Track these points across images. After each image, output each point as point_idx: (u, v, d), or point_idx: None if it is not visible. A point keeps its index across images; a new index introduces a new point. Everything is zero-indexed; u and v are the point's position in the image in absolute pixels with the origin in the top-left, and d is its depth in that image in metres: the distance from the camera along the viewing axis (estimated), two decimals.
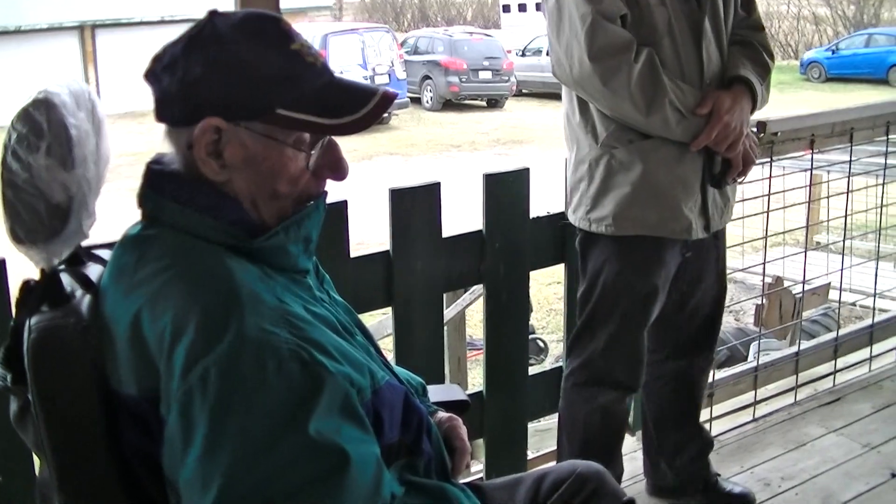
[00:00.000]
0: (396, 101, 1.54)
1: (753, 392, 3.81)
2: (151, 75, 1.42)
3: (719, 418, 3.67)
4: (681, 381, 2.99)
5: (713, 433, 3.36)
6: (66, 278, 1.47)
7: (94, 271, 1.49)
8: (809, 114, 3.76)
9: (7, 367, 1.41)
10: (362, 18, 45.11)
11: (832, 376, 4.07)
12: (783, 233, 4.50)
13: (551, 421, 4.26)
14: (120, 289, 1.37)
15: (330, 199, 1.53)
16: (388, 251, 2.80)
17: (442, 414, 1.82)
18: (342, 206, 2.62)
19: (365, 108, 1.42)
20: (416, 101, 23.76)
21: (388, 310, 2.94)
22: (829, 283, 6.77)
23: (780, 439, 3.59)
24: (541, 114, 23.53)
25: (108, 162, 1.52)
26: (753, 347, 5.39)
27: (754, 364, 3.90)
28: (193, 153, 1.38)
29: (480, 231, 2.98)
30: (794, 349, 4.06)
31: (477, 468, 3.30)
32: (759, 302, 6.38)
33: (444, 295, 3.18)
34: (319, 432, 1.23)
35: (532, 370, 3.33)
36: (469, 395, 2.28)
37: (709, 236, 2.72)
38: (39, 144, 1.39)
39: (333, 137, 1.48)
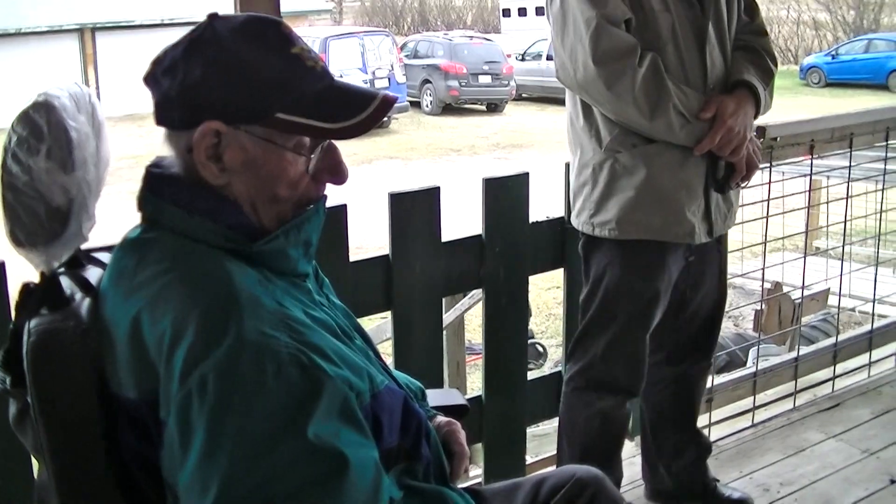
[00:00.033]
0: (396, 105, 1.54)
1: (752, 397, 3.80)
2: (151, 78, 1.42)
3: (718, 423, 3.67)
4: (679, 385, 2.99)
5: (712, 438, 3.35)
6: (65, 281, 1.47)
7: (93, 274, 1.49)
8: (809, 119, 3.76)
9: (6, 370, 1.40)
10: (362, 22, 45.18)
11: (831, 382, 4.07)
12: (782, 238, 4.51)
13: (550, 426, 4.27)
14: (119, 292, 1.37)
15: (329, 203, 1.53)
16: (387, 255, 2.80)
17: (441, 418, 1.82)
18: (342, 209, 2.62)
19: (365, 112, 1.42)
20: (416, 104, 23.78)
21: (388, 314, 2.94)
22: (829, 289, 6.77)
23: (779, 445, 3.58)
24: (540, 118, 23.55)
25: (108, 165, 1.52)
26: (752, 353, 5.40)
27: (753, 369, 3.90)
28: (193, 157, 1.38)
29: (480, 235, 2.98)
30: (794, 355, 4.06)
31: (475, 473, 3.29)
32: (759, 307, 6.37)
33: (444, 299, 3.18)
34: (318, 436, 1.23)
35: (531, 375, 3.32)
36: (468, 400, 2.28)
37: (711, 240, 2.73)
38: (39, 147, 1.39)
39: (333, 141, 1.48)
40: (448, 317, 5.12)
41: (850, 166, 3.92)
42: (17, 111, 1.43)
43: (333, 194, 1.55)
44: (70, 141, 1.41)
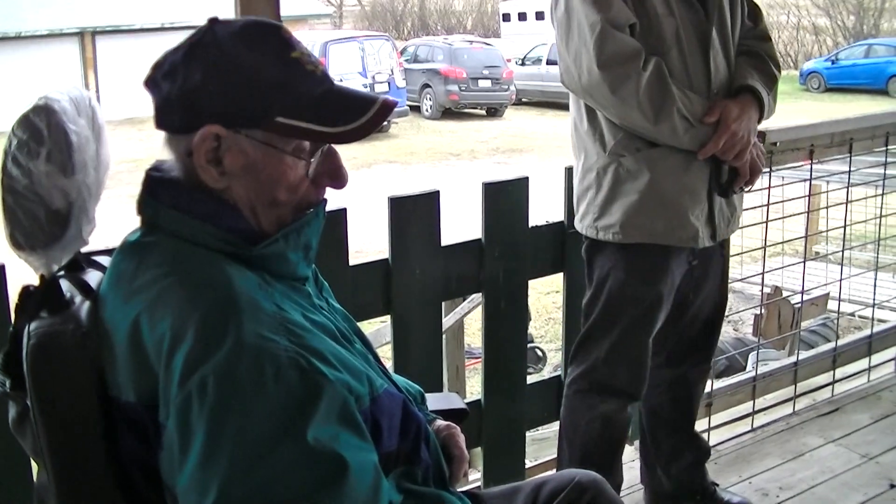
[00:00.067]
0: (396, 109, 1.54)
1: (752, 402, 3.80)
2: (151, 82, 1.42)
3: (717, 428, 3.67)
4: (678, 388, 2.99)
5: (711, 443, 3.36)
6: (65, 284, 1.47)
7: (93, 277, 1.49)
8: (809, 124, 3.76)
9: (6, 373, 1.41)
10: (362, 26, 45.19)
11: (831, 386, 4.07)
12: (782, 243, 4.51)
13: (549, 430, 4.26)
14: (119, 295, 1.37)
15: (329, 207, 1.53)
16: (387, 259, 2.80)
17: (440, 422, 1.82)
18: (341, 213, 2.63)
19: (364, 116, 1.42)
20: (416, 109, 23.79)
21: (387, 318, 2.94)
22: (828, 294, 6.78)
23: (779, 449, 3.58)
24: (540, 123, 23.57)
25: (107, 168, 1.52)
26: (752, 357, 5.39)
27: (753, 374, 3.90)
28: (193, 160, 1.38)
29: (479, 239, 2.98)
30: (793, 359, 4.06)
31: (475, 476, 3.29)
32: (758, 312, 6.38)
33: (443, 303, 3.18)
34: (317, 439, 1.23)
35: (530, 379, 3.32)
36: (467, 404, 2.28)
37: (715, 244, 2.73)
38: (40, 150, 1.39)
39: (333, 145, 1.48)
40: (447, 321, 5.12)
41: (849, 171, 3.93)
42: (18, 114, 1.43)
43: (333, 198, 1.56)
44: (70, 144, 1.41)
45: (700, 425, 3.23)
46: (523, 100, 26.17)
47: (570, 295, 3.24)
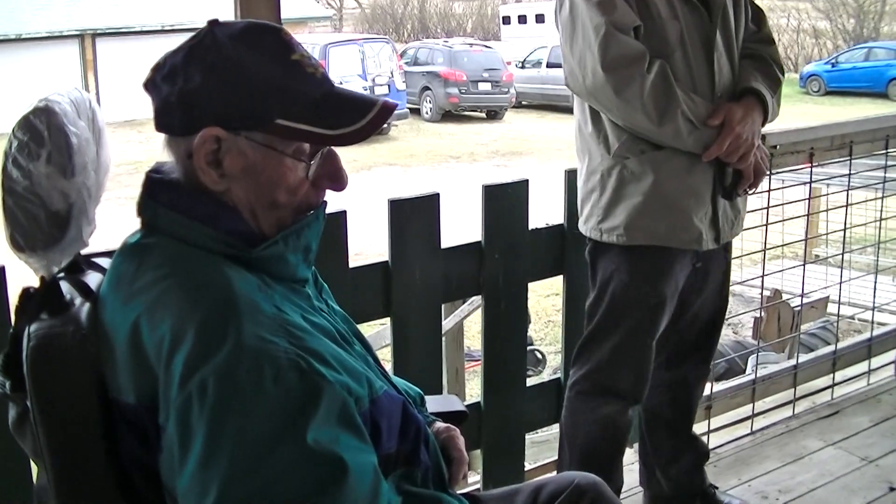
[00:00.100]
0: (396, 111, 1.54)
1: (751, 405, 3.81)
2: (151, 84, 1.42)
3: (717, 431, 3.67)
4: (677, 389, 2.99)
5: (711, 446, 3.35)
6: (65, 286, 1.48)
7: (93, 279, 1.49)
8: (809, 127, 3.76)
9: (6, 374, 1.40)
10: (362, 29, 45.20)
11: (830, 389, 4.07)
12: (782, 246, 4.51)
13: (549, 432, 4.27)
14: (119, 297, 1.37)
15: (329, 209, 1.53)
16: (386, 261, 2.81)
17: (440, 424, 1.82)
18: (341, 215, 2.63)
19: (364, 118, 1.42)
20: (416, 111, 23.78)
21: (387, 320, 2.94)
22: (828, 297, 6.77)
23: (778, 452, 3.58)
24: (540, 125, 23.57)
25: (107, 170, 1.53)
26: (752, 360, 5.38)
27: (752, 377, 3.90)
28: (193, 162, 1.38)
29: (479, 242, 2.98)
30: (793, 362, 4.06)
31: (474, 479, 3.29)
32: (758, 315, 6.38)
33: (443, 305, 3.18)
34: (317, 441, 1.23)
35: (530, 381, 3.32)
36: (467, 406, 2.28)
37: (718, 247, 2.73)
38: (40, 152, 1.39)
39: (333, 148, 1.48)
40: (447, 323, 5.11)
41: (849, 174, 3.93)
42: (18, 116, 1.43)
43: (333, 200, 1.56)
44: (70, 146, 1.41)
45: (699, 428, 3.23)
46: (523, 103, 26.17)
47: (570, 297, 3.24)
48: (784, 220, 4.05)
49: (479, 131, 23.05)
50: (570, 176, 3.04)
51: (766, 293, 5.96)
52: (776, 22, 36.19)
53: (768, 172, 3.39)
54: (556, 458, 3.05)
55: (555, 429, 3.47)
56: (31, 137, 1.40)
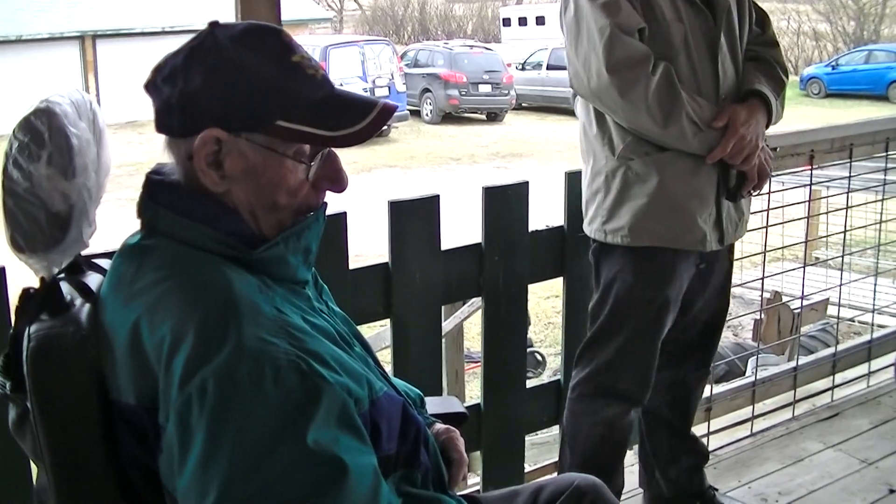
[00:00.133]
0: (396, 113, 1.54)
1: (751, 407, 3.81)
2: (152, 86, 1.42)
3: (717, 433, 3.67)
4: (677, 390, 2.99)
5: (711, 447, 3.35)
6: (65, 287, 1.48)
7: (93, 280, 1.50)
8: (809, 129, 3.77)
9: (6, 375, 1.41)
10: (363, 31, 45.26)
11: (830, 392, 4.07)
12: (782, 248, 4.52)
13: (549, 434, 4.27)
14: (119, 298, 1.37)
15: (329, 211, 1.53)
16: (386, 263, 2.81)
17: (439, 426, 1.82)
18: (341, 217, 2.63)
19: (365, 120, 1.42)
20: (416, 113, 23.79)
21: (387, 321, 2.94)
22: (828, 299, 6.76)
23: (778, 454, 3.58)
24: (540, 127, 23.57)
25: (108, 171, 1.53)
26: (752, 362, 5.40)
27: (752, 379, 3.90)
28: (193, 164, 1.38)
29: (479, 244, 2.98)
30: (793, 364, 4.06)
31: (474, 480, 3.29)
32: (758, 317, 6.38)
33: (443, 307, 3.18)
34: (317, 442, 1.23)
35: (530, 383, 3.32)
36: (467, 408, 2.28)
37: (722, 249, 2.74)
38: (40, 153, 1.40)
39: (333, 149, 1.48)
40: (447, 325, 5.11)
41: (849, 177, 3.93)
42: (19, 117, 1.43)
43: (333, 202, 1.56)
44: (71, 147, 1.42)
45: (699, 430, 3.23)
46: (523, 104, 26.17)
47: (570, 299, 3.24)
48: (784, 223, 4.05)
49: (480, 133, 23.06)
50: (570, 178, 3.04)
51: (766, 295, 5.96)
52: (776, 24, 35.71)
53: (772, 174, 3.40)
54: (555, 459, 3.05)
55: (554, 430, 3.48)
56: (31, 139, 1.40)
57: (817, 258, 7.83)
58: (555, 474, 3.13)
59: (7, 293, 2.23)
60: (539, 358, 8.60)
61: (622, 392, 2.78)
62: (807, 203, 4.01)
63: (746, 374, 5.15)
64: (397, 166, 19.05)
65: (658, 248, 2.62)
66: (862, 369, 4.22)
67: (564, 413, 2.91)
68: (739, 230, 2.78)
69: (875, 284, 4.32)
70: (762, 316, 5.94)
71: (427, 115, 24.50)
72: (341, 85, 1.52)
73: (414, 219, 2.80)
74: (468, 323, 5.87)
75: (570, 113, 2.78)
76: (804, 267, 4.13)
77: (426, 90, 24.63)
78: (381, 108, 1.44)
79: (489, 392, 3.13)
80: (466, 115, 24.84)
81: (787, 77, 2.75)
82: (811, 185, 3.90)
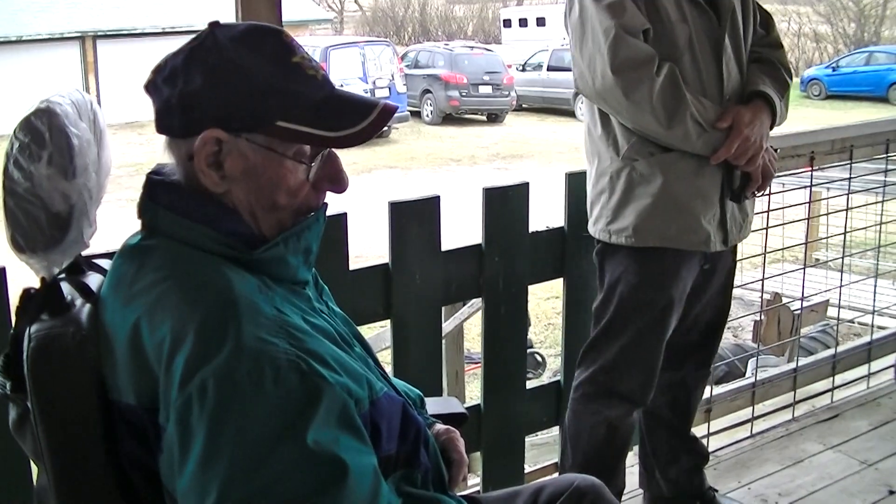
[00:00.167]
0: (396, 114, 1.54)
1: (751, 408, 3.81)
2: (152, 86, 1.43)
3: (717, 434, 3.67)
4: (677, 391, 2.99)
5: (710, 448, 3.35)
6: (66, 287, 1.48)
7: (93, 280, 1.50)
8: (809, 131, 3.77)
9: (7, 375, 1.40)
10: (363, 32, 45.27)
11: (830, 393, 4.07)
12: (782, 249, 4.52)
13: (549, 435, 4.27)
14: (119, 298, 1.37)
15: (329, 212, 1.53)
16: (387, 264, 2.81)
17: (439, 426, 1.83)
18: (342, 218, 2.63)
19: (365, 120, 1.42)
20: (416, 114, 23.79)
21: (387, 322, 2.94)
22: (828, 300, 6.77)
23: (778, 455, 3.58)
24: (540, 129, 23.56)
25: (108, 172, 1.53)
26: (751, 363, 5.40)
27: (752, 380, 3.90)
28: (194, 164, 1.39)
29: (479, 245, 2.98)
30: (793, 365, 4.06)
31: (474, 481, 3.29)
32: (758, 318, 6.39)
33: (443, 308, 3.18)
34: (317, 442, 1.23)
35: (530, 384, 3.32)
36: (467, 408, 2.28)
37: (726, 249, 2.74)
38: (41, 153, 1.40)
39: (333, 150, 1.48)
40: (447, 325, 5.11)
41: (850, 178, 3.93)
42: (19, 118, 1.44)
43: (333, 203, 1.56)
44: (71, 148, 1.42)
45: (699, 431, 3.23)
46: (524, 106, 26.17)
47: (570, 300, 3.24)
48: (784, 224, 4.05)
49: (480, 134, 23.06)
50: (571, 179, 3.04)
51: (767, 297, 5.97)
52: (777, 26, 36.20)
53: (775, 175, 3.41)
54: (555, 460, 3.05)
55: (554, 431, 3.48)
56: (32, 139, 1.40)
57: (817, 259, 7.83)
58: (555, 475, 3.12)
59: (7, 293, 2.23)
60: (539, 359, 8.61)
61: (625, 392, 2.78)
62: (807, 204, 4.01)
63: (746, 376, 5.15)
64: (398, 167, 19.05)
65: (662, 248, 2.62)
66: (862, 371, 4.22)
67: (566, 413, 2.91)
68: (743, 231, 2.78)
69: (875, 286, 4.32)
70: (762, 317, 5.95)
71: (427, 116, 24.51)
72: (342, 86, 1.52)
73: (414, 220, 2.80)
74: (468, 324, 5.87)
75: (571, 114, 2.80)
76: (804, 268, 4.13)
77: (426, 91, 24.64)
78: (381, 109, 1.44)
79: (489, 393, 3.13)
80: (467, 116, 24.85)
81: (792, 78, 2.75)
82: (811, 186, 3.90)
